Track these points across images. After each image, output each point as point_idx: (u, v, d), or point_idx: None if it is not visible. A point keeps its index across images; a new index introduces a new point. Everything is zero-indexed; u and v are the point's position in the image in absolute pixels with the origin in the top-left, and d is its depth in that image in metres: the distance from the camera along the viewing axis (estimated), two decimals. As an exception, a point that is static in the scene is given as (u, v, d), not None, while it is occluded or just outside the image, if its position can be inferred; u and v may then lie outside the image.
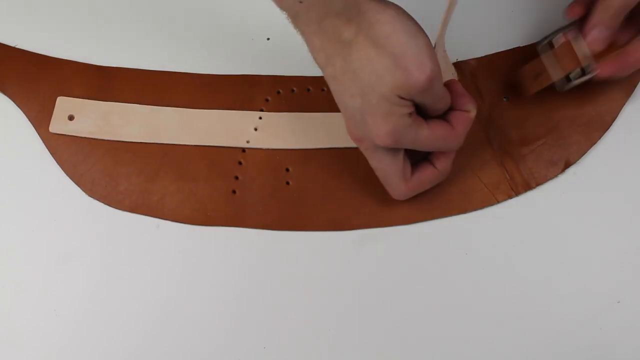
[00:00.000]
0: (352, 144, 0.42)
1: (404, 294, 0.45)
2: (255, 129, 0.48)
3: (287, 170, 0.47)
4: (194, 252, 0.46)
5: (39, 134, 0.48)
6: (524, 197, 0.47)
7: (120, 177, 0.47)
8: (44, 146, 0.48)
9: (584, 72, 0.45)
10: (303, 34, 0.38)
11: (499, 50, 0.50)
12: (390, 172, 0.42)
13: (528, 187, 0.47)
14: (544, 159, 0.47)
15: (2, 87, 0.49)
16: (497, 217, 0.46)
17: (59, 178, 0.47)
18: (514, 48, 0.50)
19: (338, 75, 0.38)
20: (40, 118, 0.48)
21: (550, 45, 0.46)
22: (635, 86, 0.49)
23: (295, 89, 0.49)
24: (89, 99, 0.49)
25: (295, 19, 0.38)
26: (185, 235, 0.46)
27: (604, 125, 0.48)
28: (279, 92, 0.49)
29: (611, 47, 0.44)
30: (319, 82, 0.49)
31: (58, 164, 0.47)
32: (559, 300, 0.44)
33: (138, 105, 0.49)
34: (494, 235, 0.46)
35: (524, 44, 0.50)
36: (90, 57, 0.50)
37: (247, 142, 0.48)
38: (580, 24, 0.45)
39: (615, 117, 0.48)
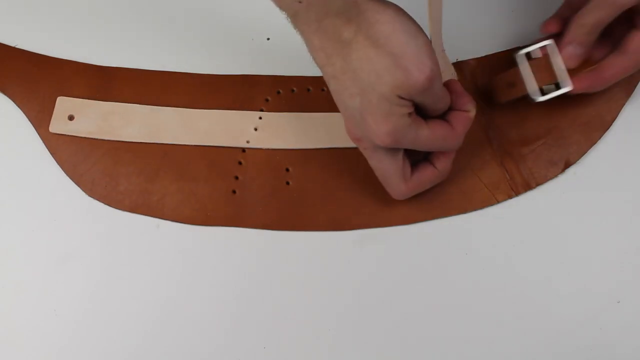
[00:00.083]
0: (352, 144, 0.43)
1: (404, 294, 0.45)
2: (255, 129, 0.48)
3: (287, 170, 0.47)
4: (194, 252, 0.46)
5: (39, 134, 0.48)
6: (524, 197, 0.47)
7: (120, 177, 0.47)
8: (44, 146, 0.48)
9: (558, 86, 0.45)
10: (302, 33, 0.38)
11: (499, 50, 0.50)
12: (389, 172, 0.42)
13: (528, 187, 0.47)
14: (544, 159, 0.47)
15: (2, 87, 0.49)
16: (497, 217, 0.46)
17: (59, 178, 0.47)
18: (514, 48, 0.50)
19: (337, 75, 0.38)
20: (40, 118, 0.48)
21: (528, 56, 0.46)
22: (635, 86, 0.49)
23: (295, 89, 0.49)
24: (89, 99, 0.49)
25: (295, 18, 0.38)
26: (185, 235, 0.46)
27: (604, 125, 0.48)
28: (279, 92, 0.49)
29: (587, 63, 0.45)
30: (319, 82, 0.49)
31: (58, 164, 0.47)
32: (559, 300, 0.44)
33: (138, 105, 0.49)
34: (494, 235, 0.46)
35: (524, 44, 0.50)
36: (90, 57, 0.50)
37: (247, 142, 0.48)
38: (558, 38, 0.45)
39: (615, 117, 0.48)
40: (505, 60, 0.49)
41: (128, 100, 0.49)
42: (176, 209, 0.46)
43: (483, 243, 0.46)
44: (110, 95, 0.49)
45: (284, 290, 0.45)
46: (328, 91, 0.40)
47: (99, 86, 0.49)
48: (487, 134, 0.48)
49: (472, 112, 0.41)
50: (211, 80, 0.50)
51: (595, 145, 0.48)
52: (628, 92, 0.48)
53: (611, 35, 0.45)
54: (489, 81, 0.48)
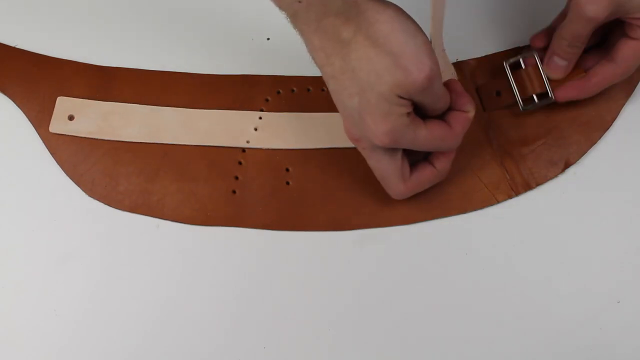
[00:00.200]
0: (352, 144, 0.42)
1: (404, 294, 0.45)
2: (255, 129, 0.48)
3: (287, 170, 0.47)
4: (194, 252, 0.46)
5: (39, 134, 0.48)
6: (524, 197, 0.47)
7: (120, 177, 0.47)
8: (44, 146, 0.48)
9: (546, 95, 0.46)
10: (302, 33, 0.38)
11: (499, 50, 0.50)
12: (388, 172, 0.42)
13: (528, 187, 0.47)
14: (544, 159, 0.47)
15: (2, 87, 0.49)
16: (497, 217, 0.46)
17: (59, 178, 0.47)
18: (514, 48, 0.50)
19: (337, 75, 0.38)
20: (40, 118, 0.48)
21: (518, 65, 0.47)
22: (635, 86, 0.49)
23: (295, 89, 0.49)
24: (89, 99, 0.49)
25: (294, 18, 0.38)
26: (185, 235, 0.46)
27: (604, 125, 0.48)
28: (279, 92, 0.49)
29: (577, 72, 0.46)
30: (319, 82, 0.49)
31: (58, 164, 0.47)
32: (559, 300, 0.44)
33: (138, 105, 0.49)
34: (494, 235, 0.46)
35: (524, 44, 0.50)
36: (90, 57, 0.50)
37: (247, 142, 0.48)
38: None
39: (615, 117, 0.48)
40: (505, 61, 0.49)
41: (128, 100, 0.49)
42: (176, 209, 0.46)
43: (483, 243, 0.46)
44: (110, 95, 0.49)
45: (284, 290, 0.45)
46: (328, 91, 0.40)
47: (99, 86, 0.49)
48: (487, 134, 0.48)
49: (471, 113, 0.41)
50: (211, 80, 0.50)
51: (595, 145, 0.48)
52: (628, 92, 0.48)
53: (603, 45, 0.45)
54: (477, 88, 0.49)
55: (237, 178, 0.47)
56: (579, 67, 0.46)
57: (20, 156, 0.48)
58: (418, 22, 0.38)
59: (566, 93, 0.46)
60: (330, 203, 0.47)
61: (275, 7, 0.38)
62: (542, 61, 0.46)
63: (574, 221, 0.46)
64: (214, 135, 0.48)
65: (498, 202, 0.46)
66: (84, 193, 0.47)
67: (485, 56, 0.50)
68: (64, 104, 0.48)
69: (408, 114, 0.38)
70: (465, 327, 0.44)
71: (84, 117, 0.48)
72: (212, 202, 0.47)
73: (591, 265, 0.45)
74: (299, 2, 0.36)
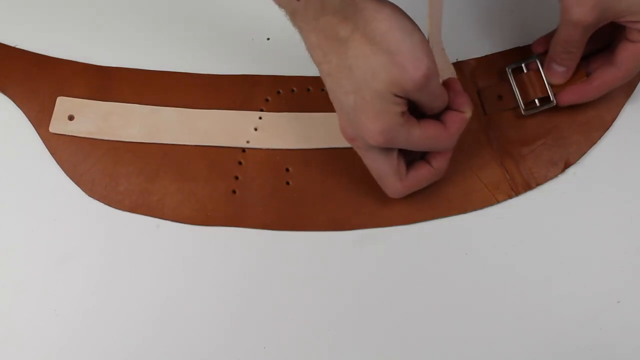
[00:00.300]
0: (352, 144, 0.43)
1: (404, 294, 0.45)
2: (255, 129, 0.48)
3: (287, 170, 0.47)
4: (194, 252, 0.46)
5: (39, 134, 0.48)
6: (524, 197, 0.47)
7: (120, 177, 0.47)
8: (44, 146, 0.48)
9: (548, 99, 0.46)
10: (300, 31, 0.38)
11: (499, 50, 0.50)
12: (384, 171, 0.42)
13: (528, 187, 0.47)
14: (544, 159, 0.47)
15: (2, 87, 0.49)
16: (497, 217, 0.46)
17: (59, 178, 0.47)
18: (514, 48, 0.50)
19: (333, 72, 0.38)
20: (40, 118, 0.48)
21: (520, 70, 0.48)
22: (635, 86, 0.49)
23: (295, 89, 0.49)
24: (89, 99, 0.49)
25: (293, 16, 0.38)
26: (185, 235, 0.46)
27: (604, 125, 0.48)
28: (279, 92, 0.49)
29: (578, 76, 0.46)
30: (319, 82, 0.49)
31: (58, 164, 0.47)
32: (559, 300, 0.44)
33: (138, 105, 0.49)
34: (494, 235, 0.46)
35: (524, 44, 0.50)
36: (90, 57, 0.50)
37: (247, 142, 0.48)
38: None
39: (615, 117, 0.48)
40: (505, 61, 0.49)
41: (128, 100, 0.49)
42: (176, 209, 0.46)
43: (483, 243, 0.46)
44: (110, 95, 0.49)
45: (284, 290, 0.45)
46: (328, 91, 0.40)
47: (99, 86, 0.49)
48: (487, 134, 0.48)
49: (468, 114, 0.41)
50: (211, 80, 0.50)
51: (595, 145, 0.48)
52: (628, 92, 0.48)
53: (605, 50, 0.45)
54: (479, 92, 0.49)
55: (237, 178, 0.47)
56: (582, 71, 0.46)
57: (20, 156, 0.48)
58: (416, 22, 0.38)
59: (568, 97, 0.46)
60: (330, 203, 0.47)
61: (275, 6, 0.38)
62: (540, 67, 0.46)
63: (574, 221, 0.46)
64: (214, 135, 0.48)
65: (498, 202, 0.46)
66: (84, 193, 0.47)
67: (485, 56, 0.50)
68: (64, 104, 0.48)
69: (402, 113, 0.38)
70: (465, 327, 0.44)
71: (84, 117, 0.48)
72: (212, 202, 0.47)
73: (591, 265, 0.45)
74: (298, 0, 0.36)
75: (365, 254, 0.46)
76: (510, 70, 0.48)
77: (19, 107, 0.49)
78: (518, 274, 0.45)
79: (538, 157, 0.47)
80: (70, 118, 0.48)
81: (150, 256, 0.45)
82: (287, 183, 0.47)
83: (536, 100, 0.47)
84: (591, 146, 0.47)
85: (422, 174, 0.43)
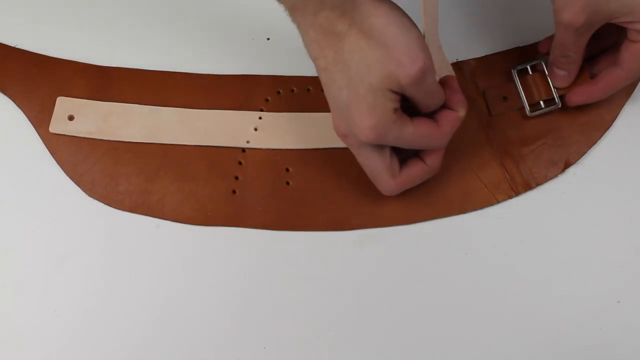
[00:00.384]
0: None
1: (404, 294, 0.45)
2: (255, 129, 0.48)
3: (287, 170, 0.47)
4: (194, 252, 0.46)
5: (39, 134, 0.48)
6: (524, 197, 0.47)
7: (120, 177, 0.47)
8: (44, 146, 0.48)
9: (553, 101, 0.47)
10: (299, 25, 0.38)
11: (499, 50, 0.50)
12: (377, 168, 0.42)
13: (528, 187, 0.47)
14: (544, 159, 0.47)
15: (2, 87, 0.49)
16: (497, 217, 0.46)
17: (59, 178, 0.47)
18: (514, 48, 0.50)
19: (329, 67, 0.38)
20: (40, 118, 0.48)
21: (526, 71, 0.48)
22: (635, 86, 0.49)
23: (295, 89, 0.49)
24: (89, 99, 0.49)
25: (292, 11, 0.38)
26: (185, 235, 0.46)
27: (604, 125, 0.48)
28: (279, 92, 0.49)
29: (583, 77, 0.46)
30: (319, 82, 0.48)
31: (58, 164, 0.47)
32: (559, 300, 0.44)
33: (138, 105, 0.49)
34: (494, 235, 0.46)
35: (524, 44, 0.50)
36: (90, 57, 0.50)
37: (247, 142, 0.48)
38: None
39: (615, 117, 0.48)
40: (505, 61, 0.49)
41: (128, 101, 0.49)
42: (176, 209, 0.46)
43: (483, 243, 0.46)
44: (110, 95, 0.49)
45: (284, 290, 0.45)
46: (328, 91, 0.40)
47: (98, 86, 0.49)
48: (487, 134, 0.48)
49: (462, 113, 0.41)
50: (211, 80, 0.50)
51: (595, 145, 0.48)
52: (628, 92, 0.48)
53: (610, 52, 0.46)
54: (484, 93, 0.49)
55: (237, 178, 0.47)
56: (586, 74, 0.46)
57: (20, 156, 0.48)
58: (415, 21, 0.38)
59: (573, 98, 0.46)
60: (330, 203, 0.47)
61: (275, 5, 0.38)
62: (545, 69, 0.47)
63: (574, 221, 0.46)
64: (213, 135, 0.48)
65: (498, 202, 0.46)
66: (84, 193, 0.47)
67: (485, 56, 0.50)
68: (63, 104, 0.48)
69: (395, 110, 0.38)
70: (465, 327, 0.44)
71: (84, 117, 0.48)
72: (212, 202, 0.47)
73: (591, 265, 0.45)
74: None
75: (365, 254, 0.46)
76: (515, 71, 0.48)
77: (19, 107, 0.49)
78: (518, 274, 0.45)
79: (538, 157, 0.47)
80: (70, 118, 0.48)
81: (150, 256, 0.45)
82: (287, 183, 0.47)
83: (541, 102, 0.47)
84: (591, 146, 0.47)
85: (416, 172, 0.43)
